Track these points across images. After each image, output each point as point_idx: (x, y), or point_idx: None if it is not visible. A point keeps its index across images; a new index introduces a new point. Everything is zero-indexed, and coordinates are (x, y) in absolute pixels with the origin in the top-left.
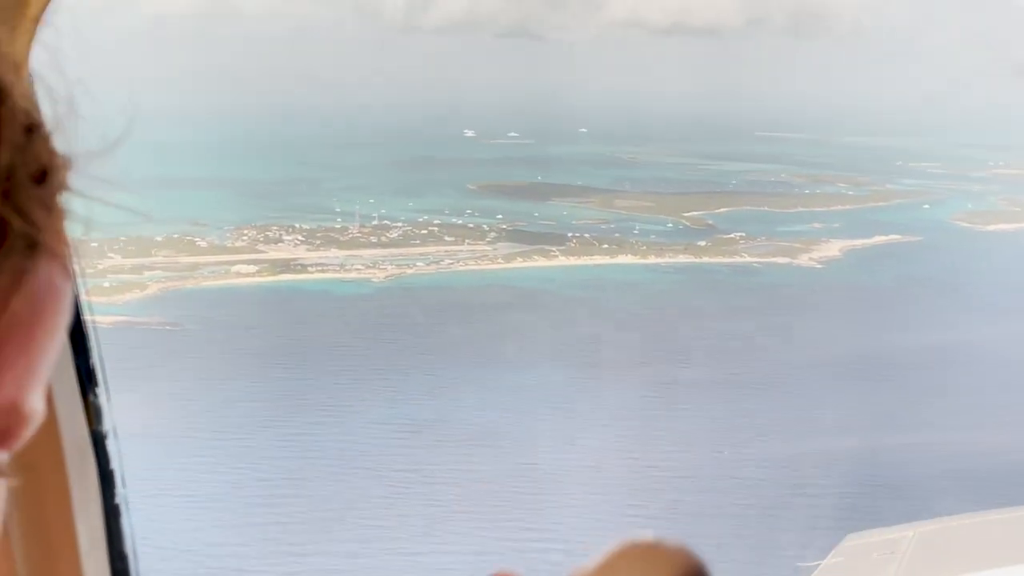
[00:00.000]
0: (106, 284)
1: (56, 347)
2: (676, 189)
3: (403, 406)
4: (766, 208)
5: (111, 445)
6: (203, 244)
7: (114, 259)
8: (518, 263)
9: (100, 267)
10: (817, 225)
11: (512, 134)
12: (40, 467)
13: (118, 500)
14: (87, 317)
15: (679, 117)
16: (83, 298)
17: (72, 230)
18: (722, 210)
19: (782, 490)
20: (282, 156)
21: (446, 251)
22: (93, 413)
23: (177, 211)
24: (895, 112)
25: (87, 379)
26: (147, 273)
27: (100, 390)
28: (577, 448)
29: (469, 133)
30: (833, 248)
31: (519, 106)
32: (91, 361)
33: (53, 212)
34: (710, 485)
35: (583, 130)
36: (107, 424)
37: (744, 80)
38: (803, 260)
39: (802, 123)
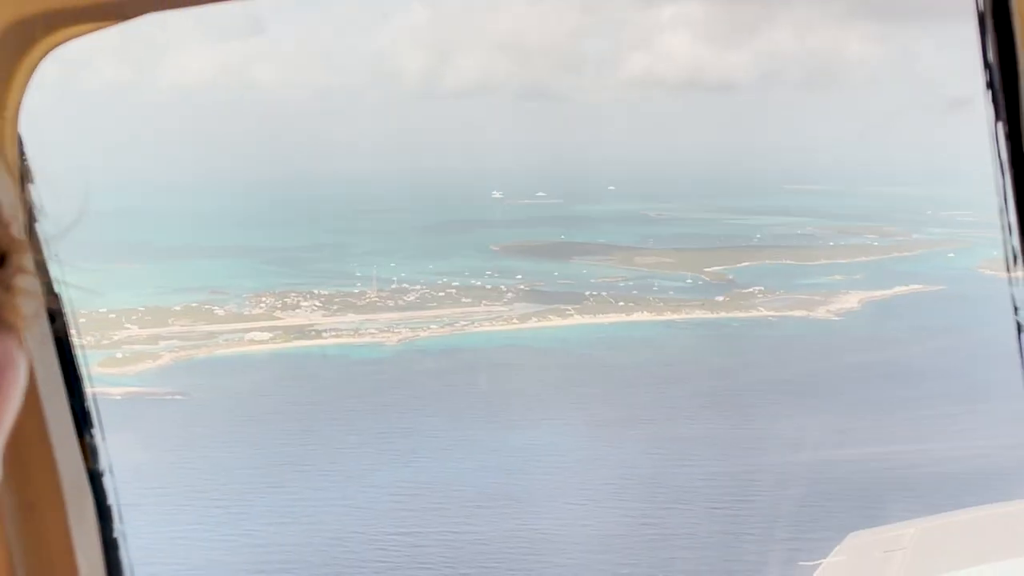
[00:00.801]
0: (119, 355)
1: (12, 412)
2: (699, 244)
3: (403, 469)
4: (788, 261)
5: (108, 482)
6: (220, 312)
7: (131, 329)
8: (533, 323)
9: (116, 338)
10: (838, 277)
11: (540, 194)
12: (40, 505)
13: (116, 534)
14: (81, 362)
15: (705, 172)
16: (77, 345)
17: (28, 306)
18: (743, 264)
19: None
20: (305, 223)
21: (462, 313)
22: (89, 452)
23: (197, 280)
24: (925, 161)
25: (82, 420)
26: (162, 343)
27: (95, 430)
28: (574, 506)
29: (496, 194)
30: (852, 300)
31: (546, 166)
32: (86, 403)
33: (10, 290)
34: (704, 542)
35: (611, 188)
36: (103, 462)
37: (766, 133)
38: (820, 312)
39: (829, 175)
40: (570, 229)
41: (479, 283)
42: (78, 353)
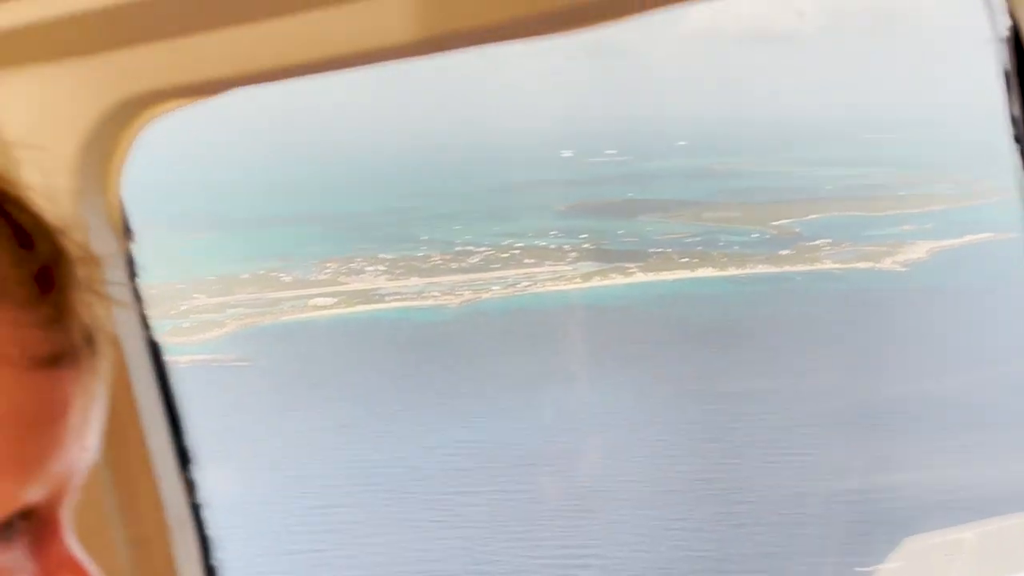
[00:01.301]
0: (186, 325)
1: (87, 450)
2: (767, 198)
3: (459, 430)
4: (857, 212)
5: (207, 514)
6: (287, 279)
7: (199, 299)
8: (595, 282)
9: (183, 308)
10: (908, 227)
11: (609, 152)
12: (151, 537)
13: (214, 562)
14: (179, 398)
15: (774, 125)
16: (175, 383)
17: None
18: (811, 217)
19: (835, 498)
20: (375, 189)
21: (525, 273)
22: (190, 487)
23: (267, 248)
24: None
25: (184, 457)
26: (228, 311)
27: (194, 467)
28: (626, 462)
29: (566, 153)
30: (920, 250)
31: (615, 124)
32: (186, 441)
33: (66, 311)
34: (758, 496)
35: (681, 143)
36: (202, 496)
37: (835, 83)
38: (886, 264)
39: (900, 123)
40: (637, 186)
41: (543, 243)
42: (177, 392)
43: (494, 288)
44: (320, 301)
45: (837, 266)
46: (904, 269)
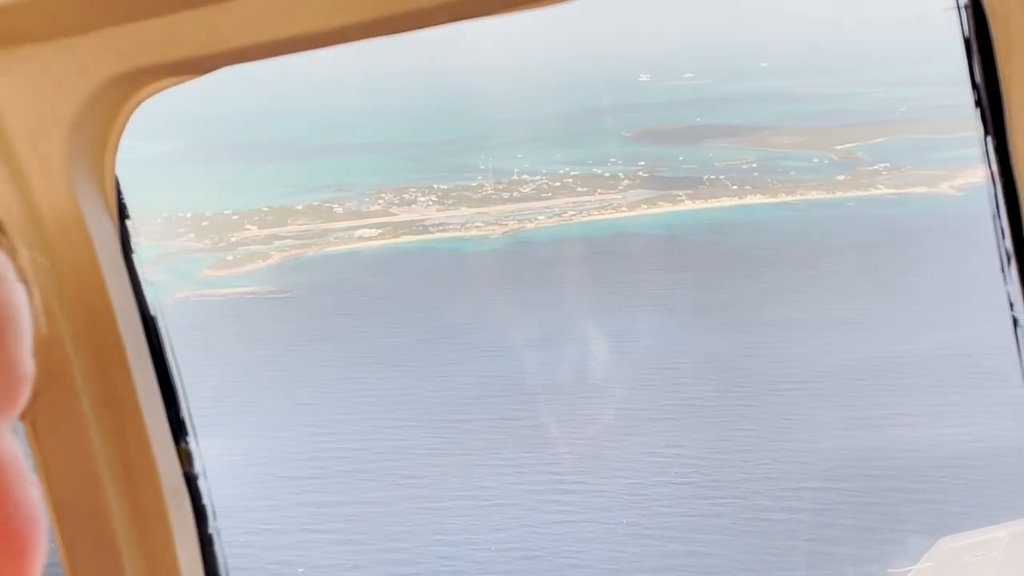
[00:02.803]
0: (230, 257)
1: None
2: (837, 121)
3: (478, 361)
4: (923, 135)
5: (202, 484)
6: (339, 210)
7: (250, 230)
8: (642, 210)
9: (232, 239)
10: (971, 150)
11: (688, 75)
12: (146, 507)
13: (211, 531)
14: (176, 373)
15: (859, 44)
16: (171, 358)
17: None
18: (876, 140)
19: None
20: (444, 117)
21: (574, 202)
22: (185, 458)
23: (325, 179)
24: None
25: (178, 428)
26: (276, 243)
27: (190, 438)
28: (651, 388)
29: (643, 77)
30: (978, 174)
31: (697, 46)
32: (181, 413)
33: None
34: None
35: (763, 65)
36: (198, 466)
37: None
38: (942, 188)
39: None
40: (709, 110)
41: (600, 171)
42: (172, 365)
43: (539, 218)
44: (365, 232)
45: (891, 191)
46: (959, 194)
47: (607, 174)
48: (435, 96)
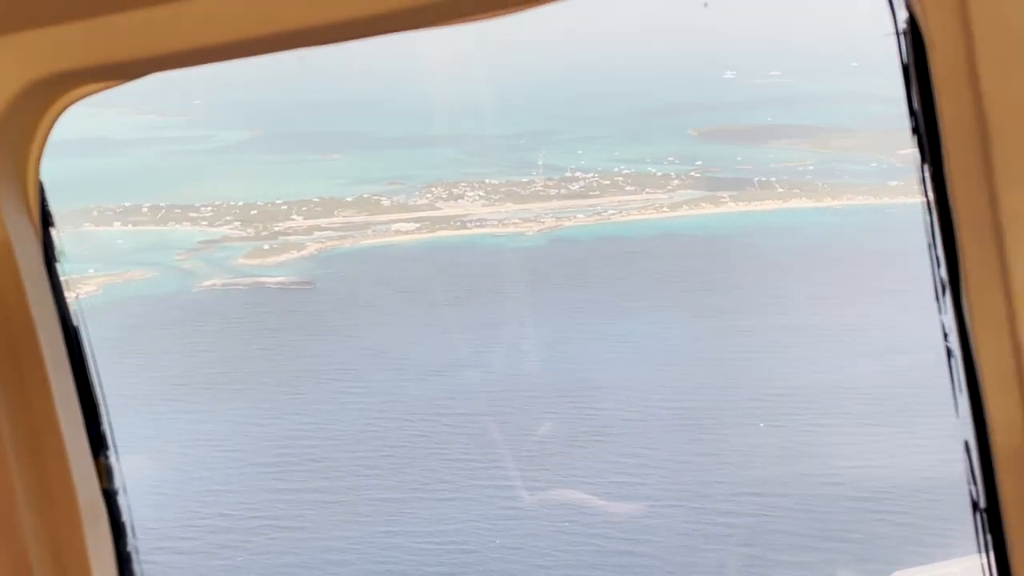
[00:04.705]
0: (266, 247)
1: None
2: (906, 124)
3: (482, 358)
4: None
5: (122, 500)
6: (386, 203)
7: (295, 220)
8: (683, 211)
9: (276, 229)
10: None
11: (774, 73)
12: (60, 524)
13: (129, 548)
14: (97, 386)
15: None
16: (93, 371)
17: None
18: None
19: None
20: (520, 112)
21: (617, 201)
22: (104, 473)
23: (385, 171)
24: None
25: (99, 443)
26: (316, 234)
27: (110, 452)
28: (664, 393)
29: (729, 75)
30: None
31: (786, 44)
32: (101, 427)
33: None
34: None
35: (853, 64)
36: (117, 482)
37: None
38: None
39: None
40: (783, 110)
41: (654, 170)
42: (94, 378)
43: (579, 216)
44: (402, 227)
45: None
46: None
47: (659, 173)
48: (519, 89)
